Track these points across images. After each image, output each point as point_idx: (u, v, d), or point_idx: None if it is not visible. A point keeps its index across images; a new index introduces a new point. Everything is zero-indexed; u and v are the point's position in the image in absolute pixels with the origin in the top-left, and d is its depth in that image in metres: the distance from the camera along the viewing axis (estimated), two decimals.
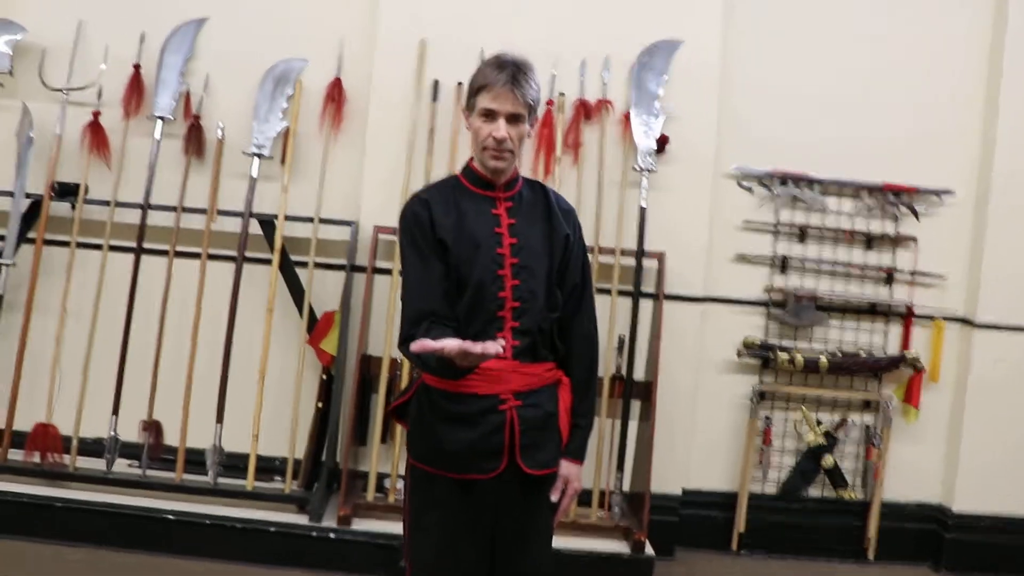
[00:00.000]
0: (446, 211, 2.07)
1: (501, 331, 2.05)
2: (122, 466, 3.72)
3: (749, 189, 4.02)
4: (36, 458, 3.67)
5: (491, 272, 2.04)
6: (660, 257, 3.81)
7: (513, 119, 2.02)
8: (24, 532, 3.51)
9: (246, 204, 3.74)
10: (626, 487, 3.80)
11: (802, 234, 4.02)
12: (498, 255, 2.06)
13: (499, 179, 2.11)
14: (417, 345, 1.68)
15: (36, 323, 3.76)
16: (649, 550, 3.63)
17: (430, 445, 2.07)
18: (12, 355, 3.72)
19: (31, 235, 3.80)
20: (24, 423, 3.70)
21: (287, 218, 3.76)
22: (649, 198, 3.79)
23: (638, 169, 3.79)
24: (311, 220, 3.78)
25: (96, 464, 3.70)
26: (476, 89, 2.05)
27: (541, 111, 3.31)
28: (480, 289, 2.03)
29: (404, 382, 3.65)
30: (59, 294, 3.76)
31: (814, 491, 4.09)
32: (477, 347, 1.67)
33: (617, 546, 3.66)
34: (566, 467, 2.15)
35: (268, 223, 3.77)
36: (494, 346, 1.67)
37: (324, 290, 3.88)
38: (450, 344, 1.67)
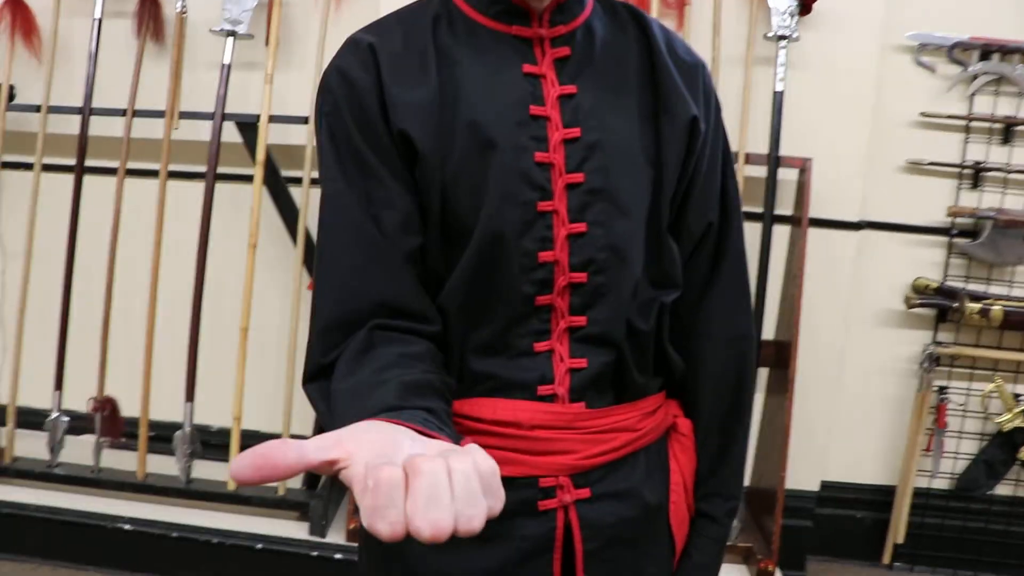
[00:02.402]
0: (417, 70, 0.96)
1: (544, 340, 0.98)
2: (73, 448, 2.80)
3: (931, 68, 2.79)
4: None
5: (522, 206, 0.95)
6: (803, 165, 2.66)
7: None
8: None
9: (218, 102, 2.70)
10: (746, 482, 2.77)
11: (1007, 132, 2.80)
12: (538, 167, 0.96)
13: (539, 1, 0.99)
14: (246, 469, 0.57)
15: None
16: None
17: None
18: None
19: None
20: None
21: (273, 119, 2.69)
22: (788, 80, 2.63)
23: (772, 37, 2.62)
24: (306, 121, 2.71)
25: (36, 444, 2.79)
26: None
27: None
28: (497, 246, 0.95)
29: None
30: None
31: (1003, 489, 3.02)
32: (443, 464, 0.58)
33: (733, 573, 2.64)
34: None
35: (248, 126, 2.73)
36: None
37: None
38: (347, 459, 0.61)
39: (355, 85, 0.95)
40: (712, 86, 1.07)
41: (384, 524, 0.55)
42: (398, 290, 0.93)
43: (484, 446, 0.92)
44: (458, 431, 0.96)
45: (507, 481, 0.92)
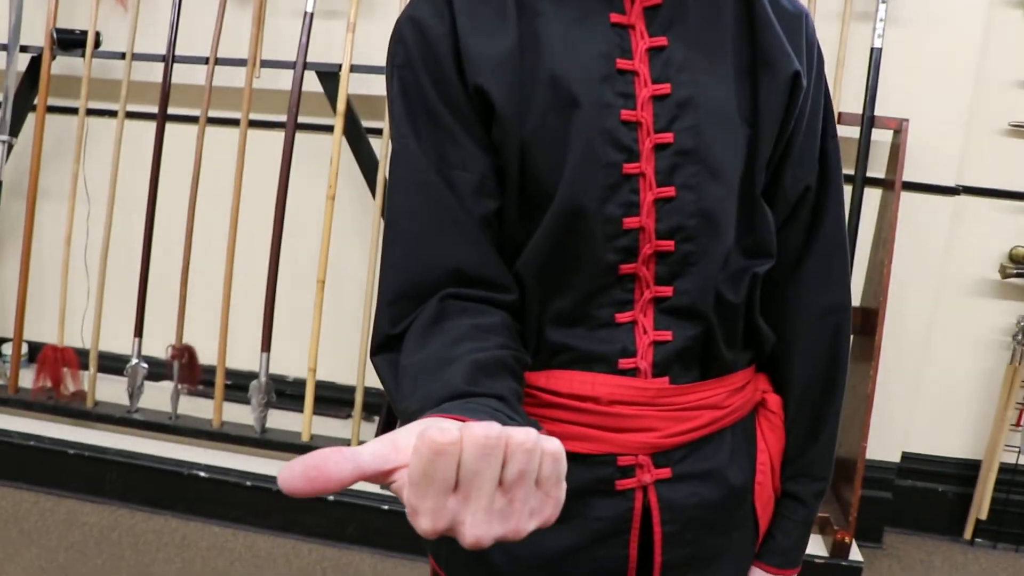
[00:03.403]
0: (495, 19, 0.88)
1: (627, 311, 0.91)
2: (152, 394, 2.86)
3: None
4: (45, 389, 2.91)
5: (606, 169, 0.88)
6: (898, 126, 2.54)
7: None
8: (20, 478, 2.83)
9: (299, 50, 2.69)
10: None
11: None
12: (624, 126, 0.88)
13: None
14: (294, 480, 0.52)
15: (40, 213, 2.96)
16: (856, 554, 2.53)
17: (470, 558, 0.97)
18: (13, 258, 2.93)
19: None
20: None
21: (355, 68, 2.67)
22: (887, 36, 2.51)
23: None
24: None
25: (116, 389, 2.87)
26: None
27: None
28: (578, 211, 0.88)
29: None
30: (67, 177, 2.91)
31: None
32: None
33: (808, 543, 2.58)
34: None
35: (330, 76, 2.71)
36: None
37: None
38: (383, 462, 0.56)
39: (429, 36, 0.88)
40: (816, 38, 0.97)
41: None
42: (472, 257, 0.87)
43: (560, 421, 0.90)
44: (532, 404, 0.91)
45: (583, 458, 0.91)
